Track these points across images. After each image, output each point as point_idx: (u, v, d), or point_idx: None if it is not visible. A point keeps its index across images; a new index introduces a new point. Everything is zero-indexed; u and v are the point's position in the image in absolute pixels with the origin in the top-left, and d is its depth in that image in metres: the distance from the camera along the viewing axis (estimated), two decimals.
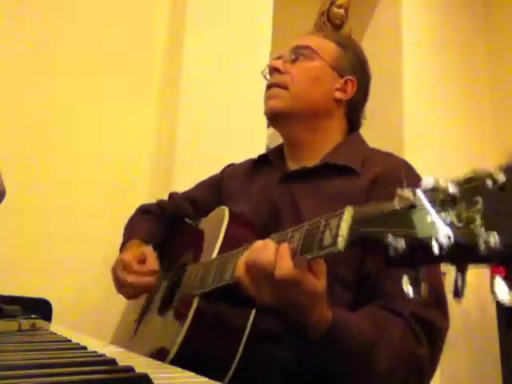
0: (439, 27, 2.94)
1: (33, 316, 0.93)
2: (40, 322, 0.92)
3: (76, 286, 1.84)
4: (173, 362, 0.76)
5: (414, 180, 0.46)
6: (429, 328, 0.78)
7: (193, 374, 0.49)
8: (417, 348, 0.76)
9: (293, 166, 1.06)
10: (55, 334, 0.83)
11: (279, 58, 1.07)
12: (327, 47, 1.06)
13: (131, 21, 2.16)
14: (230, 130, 1.98)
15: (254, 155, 1.18)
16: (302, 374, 0.77)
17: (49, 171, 1.90)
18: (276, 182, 1.03)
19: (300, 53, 1.04)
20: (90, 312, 1.81)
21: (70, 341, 0.70)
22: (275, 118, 1.06)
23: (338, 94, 1.04)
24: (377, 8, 2.94)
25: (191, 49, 2.04)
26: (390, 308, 0.78)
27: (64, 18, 2.03)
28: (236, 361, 0.77)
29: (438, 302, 0.82)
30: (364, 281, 0.85)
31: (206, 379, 0.46)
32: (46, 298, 1.41)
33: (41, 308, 1.31)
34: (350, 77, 1.04)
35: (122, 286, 1.05)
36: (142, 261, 1.04)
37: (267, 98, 1.04)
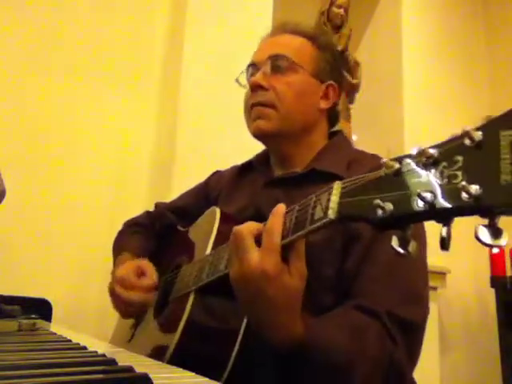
0: (439, 27, 2.94)
1: (33, 316, 0.93)
2: (40, 322, 0.92)
3: (76, 286, 1.84)
4: (170, 363, 0.76)
5: None
6: (405, 326, 0.77)
7: (193, 374, 0.49)
8: (394, 351, 0.75)
9: (278, 171, 1.05)
10: (55, 334, 0.83)
11: (256, 67, 1.03)
12: (303, 50, 1.02)
13: (131, 21, 2.16)
14: (230, 129, 1.98)
15: (253, 155, 1.18)
16: None
17: (49, 171, 1.90)
18: (260, 187, 1.02)
19: (278, 64, 0.99)
20: (90, 312, 1.81)
21: (70, 341, 0.70)
22: (263, 138, 1.03)
23: (322, 104, 1.02)
24: (377, 8, 2.94)
25: (191, 49, 2.04)
26: (366, 307, 0.77)
27: (64, 18, 2.03)
28: (233, 356, 0.77)
29: (415, 296, 0.82)
30: (343, 280, 0.84)
31: (206, 379, 0.46)
32: (46, 298, 1.41)
33: (41, 308, 1.31)
34: (330, 82, 1.03)
35: (121, 304, 1.02)
36: (141, 273, 1.01)
37: (254, 118, 1.00)
